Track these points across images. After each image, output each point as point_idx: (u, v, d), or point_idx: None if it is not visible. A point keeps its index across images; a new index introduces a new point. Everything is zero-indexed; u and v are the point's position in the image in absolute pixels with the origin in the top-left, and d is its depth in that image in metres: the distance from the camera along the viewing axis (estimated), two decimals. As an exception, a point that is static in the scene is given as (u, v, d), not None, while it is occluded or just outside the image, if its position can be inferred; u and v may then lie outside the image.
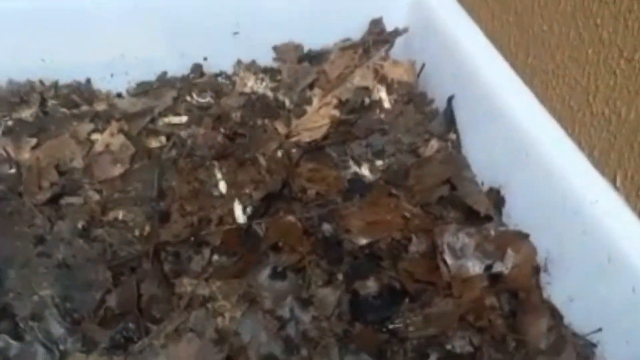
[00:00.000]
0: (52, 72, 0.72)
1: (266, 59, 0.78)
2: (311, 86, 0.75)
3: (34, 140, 0.66)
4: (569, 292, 0.57)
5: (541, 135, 0.62)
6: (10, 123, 0.68)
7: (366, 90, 0.74)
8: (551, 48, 0.67)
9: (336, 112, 0.71)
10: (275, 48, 0.78)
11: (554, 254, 0.58)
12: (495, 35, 0.72)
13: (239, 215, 0.62)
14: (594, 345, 0.54)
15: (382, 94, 0.74)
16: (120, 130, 0.67)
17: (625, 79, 0.59)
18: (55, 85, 0.72)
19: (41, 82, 0.72)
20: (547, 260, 0.58)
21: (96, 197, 0.63)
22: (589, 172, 0.59)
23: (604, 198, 0.56)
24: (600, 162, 0.61)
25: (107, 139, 0.66)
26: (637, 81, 0.57)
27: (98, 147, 0.66)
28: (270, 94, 0.74)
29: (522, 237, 0.59)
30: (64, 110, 0.70)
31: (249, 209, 0.63)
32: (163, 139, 0.68)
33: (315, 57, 0.78)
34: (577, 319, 0.56)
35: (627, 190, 0.59)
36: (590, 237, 0.55)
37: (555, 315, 0.56)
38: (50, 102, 0.71)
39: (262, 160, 0.66)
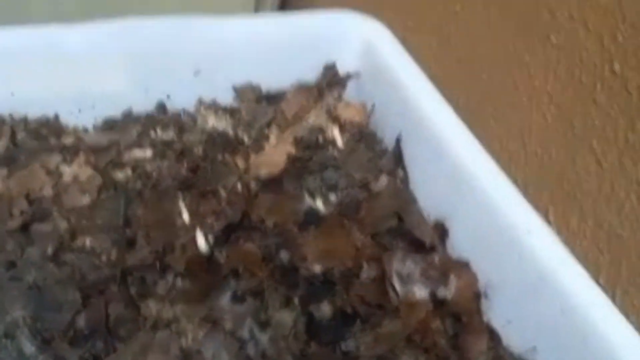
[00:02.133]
0: (21, 106, 0.75)
1: (226, 98, 0.82)
2: (269, 124, 0.79)
3: (4, 171, 0.68)
4: (507, 315, 0.62)
5: (481, 173, 0.67)
6: (-19, 154, 0.71)
7: (320, 129, 0.79)
8: (490, 94, 0.74)
9: (292, 149, 0.76)
10: (235, 88, 0.82)
11: (493, 281, 0.63)
12: (440, 80, 0.78)
13: (201, 243, 0.66)
14: (528, 363, 0.59)
15: (336, 132, 0.79)
16: (88, 162, 0.70)
17: (555, 123, 0.65)
18: (24, 119, 0.75)
19: (11, 116, 0.75)
20: (487, 286, 0.64)
21: (65, 224, 0.65)
22: (523, 204, 0.64)
23: (537, 229, 0.62)
24: (535, 198, 0.67)
25: (75, 170, 0.69)
26: (564, 124, 0.64)
27: (66, 178, 0.69)
28: (230, 130, 0.78)
29: (463, 264, 0.64)
30: (33, 142, 0.73)
31: (210, 238, 0.66)
32: (129, 171, 0.72)
33: (273, 98, 0.82)
34: (514, 339, 0.61)
35: (558, 224, 0.65)
36: (524, 262, 0.60)
37: (494, 336, 0.61)
38: (20, 135, 0.73)
39: (223, 193, 0.70)
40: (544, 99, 0.66)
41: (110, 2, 1.01)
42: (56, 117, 0.77)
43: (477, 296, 0.63)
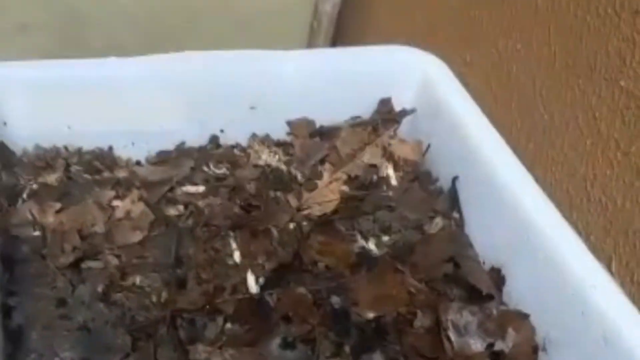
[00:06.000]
0: (76, 139, 0.75)
1: (280, 133, 0.81)
2: (322, 161, 0.78)
3: (58, 205, 0.68)
4: (567, 372, 0.59)
5: (540, 218, 0.64)
6: (35, 187, 0.71)
7: (374, 167, 0.77)
8: (551, 136, 0.71)
9: (345, 188, 0.75)
10: (289, 123, 0.81)
11: (552, 334, 0.61)
12: (498, 119, 0.76)
13: (252, 285, 0.65)
14: None
15: (390, 171, 0.78)
16: (141, 198, 0.70)
17: (621, 170, 0.62)
18: (79, 151, 0.75)
19: (66, 148, 0.75)
20: (545, 340, 0.61)
21: (115, 261, 0.65)
22: (586, 256, 0.61)
23: (600, 282, 0.59)
24: (597, 247, 0.65)
25: (128, 206, 0.69)
26: (632, 173, 0.61)
27: (119, 214, 0.69)
28: (283, 167, 0.77)
29: (522, 317, 0.62)
30: (86, 176, 0.73)
31: (261, 279, 0.65)
32: (181, 207, 0.71)
33: (327, 133, 0.81)
34: (574, 398, 0.58)
35: (622, 275, 0.62)
36: (588, 319, 0.57)
37: (553, 394, 0.59)
38: (74, 168, 0.73)
39: (275, 232, 0.69)
40: (610, 145, 0.64)
41: (166, 36, 1.02)
42: (110, 149, 0.77)
43: (535, 350, 0.61)
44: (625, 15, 0.62)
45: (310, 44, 1.20)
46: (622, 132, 0.62)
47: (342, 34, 1.23)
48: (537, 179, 0.69)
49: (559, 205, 0.67)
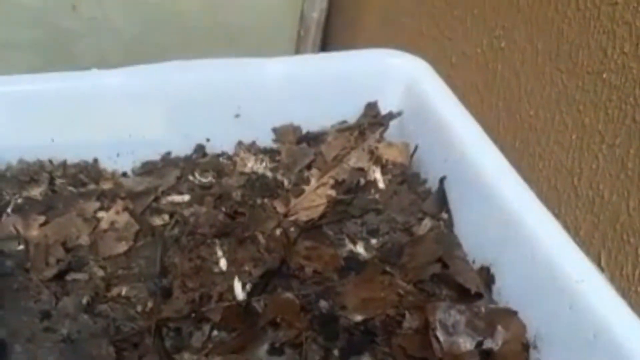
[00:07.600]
0: (61, 151, 0.75)
1: (266, 140, 0.81)
2: (309, 167, 0.77)
3: (42, 218, 0.68)
4: (558, 369, 0.58)
5: (528, 216, 0.64)
6: (20, 201, 0.70)
7: (361, 171, 0.76)
8: (537, 132, 0.71)
9: (333, 192, 0.74)
10: (274, 130, 0.81)
11: (542, 331, 0.60)
12: (485, 119, 0.75)
13: (239, 292, 0.64)
14: (582, 421, 0.55)
15: (377, 174, 0.77)
16: (125, 209, 0.70)
17: (607, 163, 0.62)
18: (63, 164, 0.75)
19: (50, 161, 0.75)
20: (536, 337, 0.60)
21: (101, 273, 0.65)
22: (574, 251, 0.60)
23: (589, 277, 0.58)
24: (585, 242, 0.64)
25: (112, 217, 0.69)
26: (618, 166, 0.61)
27: (103, 225, 0.68)
28: (269, 174, 0.77)
29: (511, 314, 0.61)
30: (71, 188, 0.73)
31: (248, 286, 0.65)
32: (166, 217, 0.71)
33: (313, 139, 0.81)
34: (565, 395, 0.57)
35: (611, 269, 0.61)
36: (577, 314, 0.57)
37: (544, 391, 0.58)
38: (59, 181, 0.73)
39: (261, 239, 0.69)
40: (595, 139, 0.63)
41: (155, 52, 1.01)
42: (95, 162, 0.76)
43: (525, 348, 0.60)
44: (604, 7, 0.61)
45: (298, 51, 1.20)
46: (607, 125, 0.62)
47: (330, 40, 1.23)
48: (525, 177, 0.69)
49: (547, 201, 0.66)
